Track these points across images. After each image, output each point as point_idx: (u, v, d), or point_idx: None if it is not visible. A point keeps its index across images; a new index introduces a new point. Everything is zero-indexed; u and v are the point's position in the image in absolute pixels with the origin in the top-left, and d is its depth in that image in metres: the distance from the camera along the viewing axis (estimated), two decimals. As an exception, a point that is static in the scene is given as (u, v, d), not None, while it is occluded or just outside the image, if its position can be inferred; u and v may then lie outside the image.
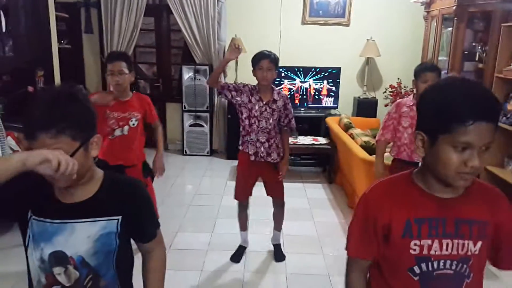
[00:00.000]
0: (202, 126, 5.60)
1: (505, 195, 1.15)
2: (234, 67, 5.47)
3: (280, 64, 5.22)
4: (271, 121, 2.79)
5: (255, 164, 2.85)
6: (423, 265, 1.09)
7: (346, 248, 1.19)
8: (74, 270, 1.14)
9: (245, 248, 3.13)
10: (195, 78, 5.43)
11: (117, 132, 2.75)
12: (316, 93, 5.37)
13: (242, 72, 5.43)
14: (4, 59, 3.90)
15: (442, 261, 1.08)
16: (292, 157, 5.22)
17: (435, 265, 1.08)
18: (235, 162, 5.15)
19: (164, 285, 1.30)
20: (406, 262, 1.09)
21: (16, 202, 1.14)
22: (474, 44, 3.98)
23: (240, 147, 2.91)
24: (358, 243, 1.17)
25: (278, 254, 3.12)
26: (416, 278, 1.09)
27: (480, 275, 1.13)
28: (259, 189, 3.03)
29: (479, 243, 1.08)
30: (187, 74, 5.44)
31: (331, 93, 5.38)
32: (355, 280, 1.19)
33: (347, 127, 4.61)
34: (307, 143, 4.89)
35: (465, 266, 1.09)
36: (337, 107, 5.43)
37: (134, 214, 1.20)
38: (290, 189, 4.61)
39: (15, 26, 4.02)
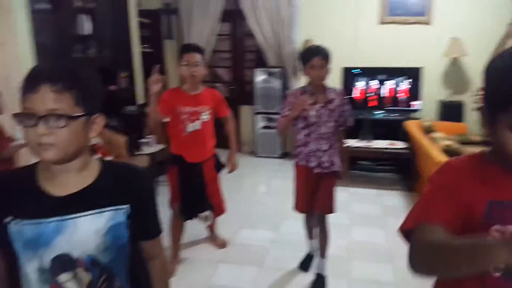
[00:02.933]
0: (274, 128, 5.54)
1: None
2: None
3: (356, 65, 5.17)
4: (330, 124, 2.49)
5: (315, 174, 2.54)
6: None
7: (406, 221, 0.98)
8: (84, 273, 0.98)
9: (313, 256, 2.86)
10: (267, 81, 5.42)
11: (190, 128, 2.70)
12: (395, 95, 5.05)
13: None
14: (90, 60, 4.20)
15: None
16: (369, 162, 4.95)
17: None
18: None
19: None
20: None
21: None
22: None
23: (296, 160, 2.61)
24: (426, 208, 0.97)
25: (317, 284, 2.64)
26: (502, 276, 0.88)
27: None
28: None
29: None
30: (260, 77, 5.46)
31: (412, 96, 5.01)
32: (428, 238, 0.89)
33: (428, 131, 4.24)
34: (383, 147, 4.59)
35: None
36: (418, 111, 5.05)
37: (141, 204, 1.06)
38: (363, 195, 4.38)
39: (100, 29, 4.33)
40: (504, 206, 0.92)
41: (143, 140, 4.28)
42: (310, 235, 2.84)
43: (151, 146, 4.23)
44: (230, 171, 2.99)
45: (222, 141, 3.04)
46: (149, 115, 2.58)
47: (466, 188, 0.94)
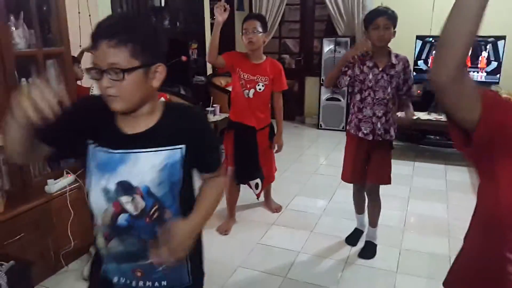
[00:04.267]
0: (339, 100, 5.49)
1: None
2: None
3: (433, 33, 4.86)
4: (389, 90, 2.39)
5: (367, 143, 2.50)
6: None
7: None
8: (140, 200, 1.11)
9: (362, 232, 2.82)
10: (335, 50, 5.34)
11: (245, 94, 2.81)
12: (473, 66, 4.71)
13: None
14: (163, 31, 4.47)
15: None
16: (437, 137, 4.74)
17: None
18: None
19: (214, 207, 1.24)
20: None
21: (71, 131, 1.11)
22: None
23: (348, 127, 2.59)
24: None
25: (368, 251, 2.67)
26: None
27: None
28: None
29: None
30: (327, 47, 5.39)
31: (491, 67, 4.64)
32: None
33: (506, 104, 3.93)
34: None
35: None
36: (498, 83, 4.67)
37: (197, 142, 1.15)
38: (427, 169, 4.24)
39: (173, 1, 4.56)
40: None
41: (209, 108, 4.51)
42: (359, 209, 2.81)
43: (215, 115, 4.44)
44: (277, 151, 3.05)
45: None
46: (211, 42, 2.68)
47: None
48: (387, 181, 2.56)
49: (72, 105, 1.08)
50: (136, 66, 1.00)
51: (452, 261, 1.15)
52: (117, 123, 1.12)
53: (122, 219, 1.13)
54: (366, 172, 2.59)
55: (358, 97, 2.48)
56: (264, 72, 2.80)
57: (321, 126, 5.65)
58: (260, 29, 2.71)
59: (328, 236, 2.89)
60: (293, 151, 4.64)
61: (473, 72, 4.69)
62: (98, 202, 1.13)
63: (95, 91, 2.36)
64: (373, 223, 2.70)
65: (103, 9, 3.60)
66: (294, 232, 2.96)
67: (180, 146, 1.13)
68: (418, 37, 4.82)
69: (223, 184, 1.30)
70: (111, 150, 1.10)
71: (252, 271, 2.50)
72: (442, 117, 4.39)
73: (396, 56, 2.43)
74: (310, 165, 4.44)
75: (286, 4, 5.71)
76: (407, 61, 2.47)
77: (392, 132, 2.50)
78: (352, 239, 2.79)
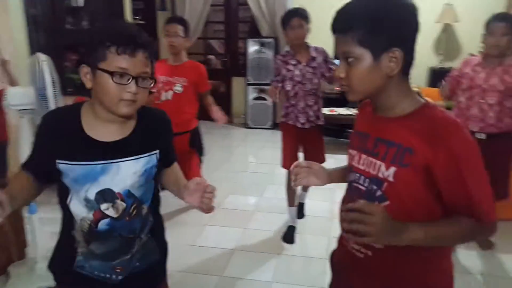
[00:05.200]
0: (265, 99, 5.62)
1: (461, 128, 0.96)
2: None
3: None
4: (315, 80, 2.65)
5: (302, 131, 2.74)
6: (351, 174, 1.13)
7: None
8: (121, 202, 1.17)
9: (294, 227, 2.88)
10: (260, 51, 5.46)
11: (163, 97, 2.79)
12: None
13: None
14: (81, 32, 4.26)
15: (358, 174, 1.09)
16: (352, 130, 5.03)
17: (354, 177, 1.10)
18: None
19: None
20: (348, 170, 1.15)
21: (47, 161, 1.12)
22: None
23: (283, 119, 2.80)
24: None
25: (300, 212, 3.09)
26: (347, 185, 1.16)
27: (404, 206, 0.98)
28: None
29: (392, 169, 0.98)
30: (252, 47, 5.49)
31: (402, 64, 5.05)
32: None
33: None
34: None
35: (375, 187, 1.02)
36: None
37: (166, 144, 1.26)
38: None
39: (92, 1, 4.36)
40: (357, 134, 1.13)
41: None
42: (291, 201, 2.90)
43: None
44: (221, 122, 3.00)
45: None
46: None
47: (359, 116, 1.18)
48: (323, 159, 2.79)
49: (40, 132, 1.14)
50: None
51: None
52: (88, 133, 1.13)
53: (102, 224, 1.17)
54: (305, 156, 2.85)
55: (291, 92, 2.69)
56: (182, 74, 2.81)
57: (249, 125, 5.75)
58: (182, 34, 2.75)
59: (262, 232, 2.96)
60: (223, 151, 4.68)
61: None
62: (77, 211, 1.16)
63: (11, 95, 2.21)
64: (306, 188, 3.08)
65: (14, 8, 3.35)
66: (228, 230, 2.99)
67: (155, 151, 1.21)
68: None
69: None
70: (91, 163, 1.12)
71: (188, 273, 2.48)
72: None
73: (315, 49, 2.67)
74: (240, 164, 4.50)
75: (210, 5, 5.72)
76: (326, 52, 2.71)
77: (322, 117, 2.78)
78: (288, 237, 2.84)
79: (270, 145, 5.11)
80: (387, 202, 1.00)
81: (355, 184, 1.10)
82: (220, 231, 2.99)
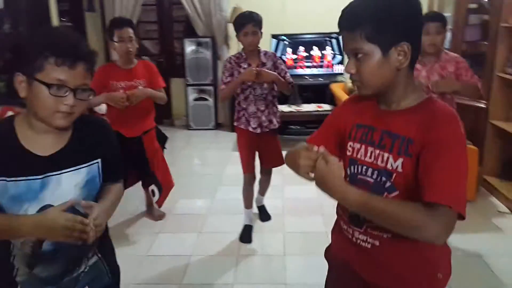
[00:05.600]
0: (207, 100, 5.57)
1: (456, 121, 1.00)
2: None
3: (284, 31, 5.26)
4: (265, 85, 2.65)
5: (256, 135, 2.75)
6: (352, 167, 1.14)
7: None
8: None
9: (251, 226, 2.92)
10: (197, 51, 5.40)
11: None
12: (322, 60, 5.26)
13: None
14: (4, 36, 3.93)
15: (365, 167, 1.11)
16: (298, 127, 5.16)
17: (359, 169, 1.12)
18: None
19: (115, 206, 1.24)
20: (345, 163, 1.14)
21: None
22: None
23: (236, 123, 2.79)
24: (316, 135, 1.25)
25: (264, 214, 3.12)
26: (347, 179, 1.13)
27: (411, 194, 1.00)
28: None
29: (400, 160, 1.03)
30: (189, 47, 5.41)
31: (336, 60, 5.25)
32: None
33: (351, 92, 4.52)
34: (311, 110, 4.82)
35: (384, 178, 1.06)
36: (343, 74, 5.31)
37: (108, 154, 1.21)
38: (294, 157, 4.58)
39: (13, 3, 4.04)
40: (359, 127, 1.13)
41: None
42: (248, 203, 2.91)
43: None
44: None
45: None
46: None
47: (343, 120, 1.19)
48: (281, 162, 2.80)
49: None
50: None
51: (328, 235, 1.34)
52: (25, 146, 1.07)
53: (47, 244, 1.10)
54: (262, 160, 2.90)
55: (242, 96, 2.69)
56: (139, 76, 2.76)
57: (191, 127, 5.66)
58: (133, 36, 2.68)
59: (217, 234, 2.94)
60: (167, 155, 4.52)
61: (321, 67, 5.24)
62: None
63: None
64: (263, 192, 3.11)
65: None
66: (182, 236, 2.93)
67: (96, 160, 1.16)
68: (273, 36, 5.16)
69: (122, 191, 1.30)
70: (30, 178, 1.05)
71: (145, 285, 2.41)
72: (301, 108, 4.81)
73: (265, 54, 2.69)
74: (186, 166, 4.43)
75: (142, 5, 5.53)
76: (275, 56, 2.75)
77: (275, 122, 2.78)
78: (245, 236, 2.85)
79: (215, 146, 5.09)
80: (396, 192, 1.05)
81: (361, 177, 1.11)
82: (174, 237, 2.92)
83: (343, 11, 1.04)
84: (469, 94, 2.54)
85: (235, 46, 5.46)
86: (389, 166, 1.05)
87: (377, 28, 0.97)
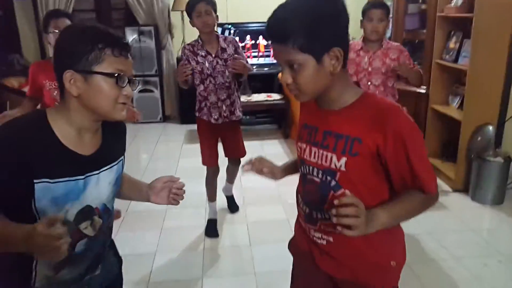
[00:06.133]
0: (152, 91, 5.41)
1: (402, 111, 1.06)
2: (181, 27, 5.26)
3: (230, 20, 5.22)
4: (227, 73, 2.54)
5: (218, 126, 2.67)
6: (302, 167, 1.18)
7: None
8: (98, 219, 1.12)
9: (216, 220, 2.87)
10: (140, 40, 5.20)
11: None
12: (267, 50, 5.29)
13: (189, 31, 5.24)
14: None
15: (311, 167, 1.14)
16: (248, 117, 5.18)
17: (308, 169, 1.16)
18: (190, 127, 5.19)
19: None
20: (300, 163, 1.20)
21: (20, 185, 0.98)
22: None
23: (197, 114, 2.68)
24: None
25: (232, 205, 3.12)
26: (301, 178, 1.21)
27: (357, 192, 1.04)
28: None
29: (344, 159, 1.06)
30: (131, 36, 5.19)
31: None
32: None
33: (299, 81, 4.61)
34: (261, 99, 4.85)
35: (329, 178, 1.10)
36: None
37: (124, 150, 1.25)
38: (247, 147, 4.61)
39: None
40: (305, 127, 1.17)
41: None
42: (211, 195, 2.87)
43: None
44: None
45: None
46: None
47: (302, 111, 1.23)
48: (243, 153, 2.80)
49: (3, 152, 0.96)
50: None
51: (291, 223, 1.39)
52: (66, 145, 1.03)
53: (80, 245, 1.10)
54: (225, 151, 2.84)
55: (201, 87, 2.58)
56: None
57: (137, 121, 5.45)
58: None
59: (180, 229, 2.90)
60: (115, 150, 4.38)
61: (268, 57, 5.29)
62: None
63: None
64: (231, 180, 3.05)
65: None
66: (143, 234, 2.86)
67: (121, 157, 1.20)
68: (218, 25, 5.10)
69: None
70: (74, 178, 1.04)
71: (111, 287, 2.32)
72: (252, 98, 4.84)
73: (225, 39, 2.58)
74: (137, 162, 4.29)
75: (77, -8, 5.20)
76: (236, 42, 2.64)
77: (238, 112, 2.70)
78: (211, 231, 2.82)
79: (164, 138, 4.97)
80: (341, 190, 1.08)
81: (310, 177, 1.15)
82: (135, 236, 2.84)
83: (269, 21, 1.01)
84: (414, 81, 2.70)
85: (179, 35, 5.34)
86: (332, 165, 1.08)
87: (308, 38, 0.97)
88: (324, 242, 1.16)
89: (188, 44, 2.60)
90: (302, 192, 1.22)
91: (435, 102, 3.64)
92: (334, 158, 1.07)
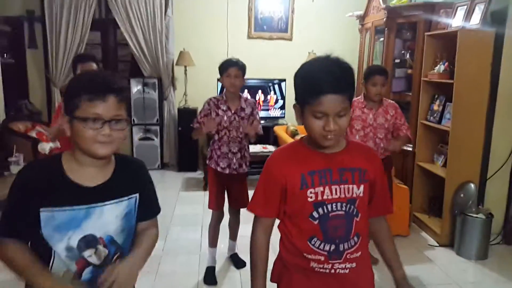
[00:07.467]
0: (152, 139, 5.61)
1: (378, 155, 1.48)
2: (183, 80, 5.55)
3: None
4: (241, 129, 2.76)
5: (225, 176, 2.83)
6: (320, 209, 1.28)
7: (250, 209, 1.40)
8: (103, 248, 1.19)
9: (214, 268, 2.94)
10: (144, 91, 5.47)
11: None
12: (264, 104, 5.58)
13: (191, 84, 5.54)
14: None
15: (334, 203, 1.28)
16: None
17: (329, 208, 1.28)
18: (187, 174, 5.36)
19: (150, 253, 1.33)
20: (306, 211, 1.28)
21: (29, 214, 1.13)
22: (403, 52, 4.35)
23: (207, 161, 2.89)
24: (262, 203, 1.36)
25: (238, 262, 3.09)
26: (316, 222, 1.28)
27: (366, 214, 1.35)
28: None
29: (362, 186, 1.30)
30: (135, 87, 5.47)
31: (279, 104, 5.61)
32: (259, 236, 1.40)
33: (293, 134, 4.85)
34: (257, 151, 5.05)
35: (352, 206, 1.30)
36: (284, 117, 5.66)
37: (145, 191, 1.30)
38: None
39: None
40: (313, 174, 1.27)
41: (11, 159, 3.99)
42: (213, 242, 2.96)
43: (19, 165, 3.96)
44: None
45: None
46: None
47: (282, 173, 1.29)
48: (246, 204, 2.86)
49: (20, 185, 1.15)
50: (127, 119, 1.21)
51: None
52: (71, 178, 1.16)
53: (86, 273, 1.19)
54: (229, 200, 2.97)
55: (216, 136, 2.79)
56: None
57: (136, 166, 5.60)
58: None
59: (176, 275, 2.97)
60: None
61: (266, 110, 5.56)
62: (59, 264, 1.16)
63: None
64: (234, 237, 3.12)
65: None
66: (139, 278, 2.90)
67: (135, 194, 1.26)
68: (219, 80, 5.40)
69: (157, 235, 1.39)
70: (75, 207, 1.15)
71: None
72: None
73: (246, 100, 2.84)
74: (135, 207, 4.37)
75: (86, 44, 5.53)
76: (255, 104, 2.91)
77: (244, 167, 2.90)
78: (210, 278, 2.88)
79: (161, 186, 5.08)
80: (360, 215, 1.31)
81: (333, 213, 1.27)
82: (131, 280, 2.90)
83: (330, 75, 1.18)
84: (405, 144, 3.15)
85: (181, 88, 5.62)
86: (354, 194, 1.29)
87: (352, 90, 1.24)
88: (347, 271, 1.32)
89: (214, 98, 2.83)
90: (323, 234, 1.28)
91: (421, 159, 3.85)
92: (355, 188, 1.29)
